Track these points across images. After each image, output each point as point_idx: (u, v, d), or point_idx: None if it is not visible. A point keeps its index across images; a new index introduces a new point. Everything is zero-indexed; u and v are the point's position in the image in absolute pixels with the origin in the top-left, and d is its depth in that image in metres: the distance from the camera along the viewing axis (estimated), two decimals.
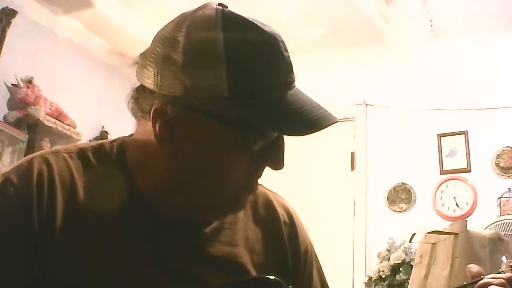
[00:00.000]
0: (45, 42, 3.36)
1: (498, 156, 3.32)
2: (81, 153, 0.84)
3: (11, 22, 3.00)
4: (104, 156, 0.84)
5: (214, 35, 0.73)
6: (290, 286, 0.82)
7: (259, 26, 0.76)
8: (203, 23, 0.74)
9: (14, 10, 3.02)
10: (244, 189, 0.81)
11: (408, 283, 2.72)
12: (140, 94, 0.78)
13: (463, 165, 3.40)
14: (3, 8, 3.00)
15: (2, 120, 3.03)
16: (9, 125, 3.01)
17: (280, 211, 0.95)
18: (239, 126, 0.74)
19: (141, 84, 0.78)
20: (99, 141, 0.88)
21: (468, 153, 3.40)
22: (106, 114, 3.62)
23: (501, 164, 3.30)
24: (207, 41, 0.73)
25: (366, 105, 3.74)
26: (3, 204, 0.76)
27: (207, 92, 0.72)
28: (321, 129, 0.74)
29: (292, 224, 0.96)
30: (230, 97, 0.72)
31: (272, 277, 0.84)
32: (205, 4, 0.78)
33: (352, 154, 3.68)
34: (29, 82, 3.15)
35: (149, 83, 0.75)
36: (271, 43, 0.76)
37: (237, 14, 0.77)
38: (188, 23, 0.75)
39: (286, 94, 0.76)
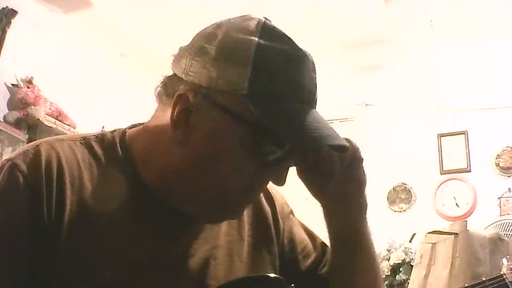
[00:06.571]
0: (45, 42, 3.37)
1: (498, 156, 3.32)
2: (85, 141, 0.83)
3: (11, 22, 3.00)
4: (108, 144, 0.84)
5: (250, 38, 0.75)
6: (292, 285, 0.83)
7: (294, 42, 0.78)
8: (243, 27, 0.77)
9: (14, 10, 3.02)
10: (244, 195, 0.81)
11: (408, 283, 2.72)
12: (169, 80, 0.80)
13: (463, 165, 3.40)
14: (3, 8, 3.00)
15: (2, 120, 3.03)
16: (9, 125, 3.01)
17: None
18: (254, 129, 0.74)
19: (172, 72, 0.80)
20: (100, 132, 0.87)
21: (468, 153, 3.40)
22: (106, 114, 3.62)
23: (501, 164, 3.31)
24: (241, 42, 0.75)
25: (366, 105, 3.74)
26: (12, 191, 0.75)
27: (227, 87, 0.74)
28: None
29: (270, 199, 0.96)
30: (250, 98, 0.73)
31: (272, 275, 0.84)
32: (248, 15, 0.81)
33: None
34: (29, 82, 3.15)
35: (179, 69, 0.78)
36: (302, 58, 0.78)
37: (277, 27, 0.79)
38: (229, 24, 0.78)
39: (306, 111, 0.77)
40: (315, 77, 0.80)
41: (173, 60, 0.81)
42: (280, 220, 0.95)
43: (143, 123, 0.86)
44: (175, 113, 0.77)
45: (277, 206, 0.96)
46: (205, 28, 0.80)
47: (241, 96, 0.73)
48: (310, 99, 0.78)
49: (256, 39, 0.75)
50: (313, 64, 0.80)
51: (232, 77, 0.74)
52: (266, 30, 0.77)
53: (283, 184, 0.80)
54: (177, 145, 0.78)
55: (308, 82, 0.78)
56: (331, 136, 0.77)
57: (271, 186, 0.96)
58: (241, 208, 0.85)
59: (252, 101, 0.73)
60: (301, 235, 0.97)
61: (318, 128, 0.76)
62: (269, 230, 0.94)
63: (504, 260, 1.69)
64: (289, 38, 0.78)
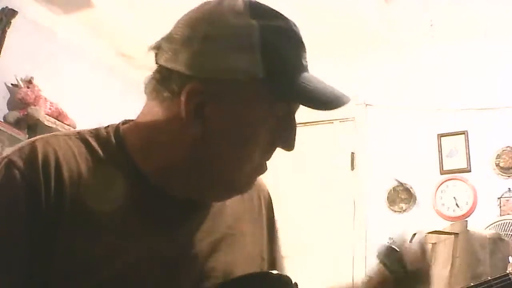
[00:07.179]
0: (45, 42, 3.36)
1: (498, 156, 3.32)
2: (80, 136, 0.84)
3: (11, 22, 3.00)
4: (103, 139, 0.84)
5: (247, 22, 0.77)
6: (295, 282, 0.83)
7: (280, 13, 0.81)
8: (232, 9, 0.78)
9: (14, 10, 3.02)
10: (256, 170, 0.84)
11: None
12: (165, 76, 0.79)
13: (463, 165, 3.39)
14: (3, 8, 3.00)
15: (2, 120, 3.03)
16: (9, 125, 3.01)
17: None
18: (272, 109, 0.78)
19: (163, 67, 0.79)
20: (94, 128, 0.87)
21: (468, 153, 3.39)
22: (106, 114, 3.61)
23: (501, 164, 3.30)
24: (241, 27, 0.76)
25: (366, 105, 3.74)
26: (9, 189, 0.74)
27: (242, 74, 0.75)
28: (344, 105, 0.84)
29: (265, 193, 1.00)
30: (267, 80, 0.76)
31: (275, 271, 0.85)
32: None
33: (352, 154, 3.68)
34: (29, 82, 3.15)
35: (179, 64, 0.76)
36: (294, 29, 0.81)
37: (258, 2, 0.81)
38: (217, 8, 0.78)
39: (313, 77, 0.81)
40: (303, 41, 0.83)
41: (158, 53, 0.80)
42: (275, 230, 0.98)
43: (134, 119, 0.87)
44: (189, 109, 0.77)
45: (274, 213, 0.98)
46: (189, 16, 0.80)
47: (257, 81, 0.75)
48: (306, 64, 0.82)
49: (254, 21, 0.76)
50: (299, 30, 0.83)
51: (244, 65, 0.75)
52: (254, 8, 0.79)
53: (292, 149, 0.82)
54: (192, 139, 0.78)
55: (303, 48, 0.82)
56: (341, 96, 0.83)
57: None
58: (253, 181, 0.87)
59: (268, 83, 0.76)
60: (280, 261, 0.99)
61: (332, 90, 0.83)
62: (264, 236, 0.95)
63: (510, 259, 1.69)
64: (275, 11, 0.81)
